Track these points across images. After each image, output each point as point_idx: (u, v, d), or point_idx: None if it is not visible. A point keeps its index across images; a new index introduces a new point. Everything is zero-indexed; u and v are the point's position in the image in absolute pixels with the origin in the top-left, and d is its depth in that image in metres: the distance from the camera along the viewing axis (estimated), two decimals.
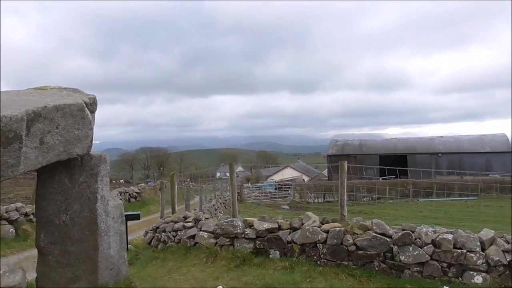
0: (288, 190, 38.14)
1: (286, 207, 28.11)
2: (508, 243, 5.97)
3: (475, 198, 26.02)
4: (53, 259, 4.83)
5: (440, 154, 42.54)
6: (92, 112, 4.52)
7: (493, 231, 6.26)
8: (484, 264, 5.84)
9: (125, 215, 5.92)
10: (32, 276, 6.80)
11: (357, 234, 6.59)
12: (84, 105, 4.29)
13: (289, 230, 7.15)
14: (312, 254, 6.76)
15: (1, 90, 5.09)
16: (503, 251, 5.87)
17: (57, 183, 4.71)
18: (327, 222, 7.00)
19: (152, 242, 9.19)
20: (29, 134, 3.56)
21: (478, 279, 5.80)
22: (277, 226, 7.21)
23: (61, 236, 4.74)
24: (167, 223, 8.76)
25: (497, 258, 5.79)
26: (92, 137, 4.48)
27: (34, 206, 13.05)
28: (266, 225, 7.23)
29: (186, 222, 8.38)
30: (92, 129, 4.48)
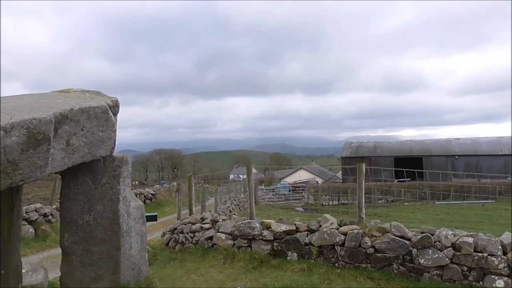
0: (302, 192, 38.04)
1: (301, 209, 28.02)
2: None
3: (493, 201, 25.58)
4: (76, 258, 4.92)
5: (456, 157, 41.94)
6: (115, 114, 4.61)
7: None
8: (505, 268, 5.76)
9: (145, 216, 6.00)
10: (52, 275, 6.94)
11: (376, 236, 6.57)
12: (108, 107, 4.39)
13: (306, 232, 7.15)
14: (330, 256, 6.75)
15: (25, 93, 5.21)
16: None
17: (80, 184, 4.81)
18: (345, 225, 6.98)
19: (169, 243, 9.29)
20: (56, 136, 3.65)
21: (499, 283, 5.73)
22: (294, 228, 7.23)
23: (84, 236, 4.84)
24: (185, 224, 8.84)
25: None
26: (115, 139, 4.57)
27: (53, 207, 13.30)
28: (283, 227, 7.24)
29: (204, 224, 8.44)
30: (115, 131, 4.56)
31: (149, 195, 24.71)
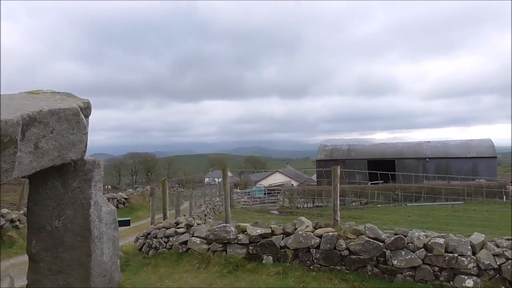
0: (277, 195, 38.16)
1: (276, 212, 28.10)
2: (498, 247, 6.06)
3: (462, 202, 26.37)
4: (44, 266, 4.75)
5: (427, 159, 43.05)
6: (87, 116, 4.49)
7: (483, 235, 6.35)
8: (475, 268, 5.91)
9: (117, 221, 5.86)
10: (18, 283, 6.69)
11: (350, 238, 6.63)
12: (79, 109, 4.26)
13: (282, 235, 7.15)
14: (306, 259, 6.78)
15: None
16: (494, 255, 5.95)
17: (49, 189, 4.66)
18: (320, 227, 7.02)
19: (143, 248, 9.11)
20: (24, 138, 3.52)
21: (469, 283, 5.87)
22: (270, 231, 7.21)
23: (53, 243, 4.68)
24: (159, 229, 8.70)
25: (488, 262, 5.87)
26: (87, 142, 4.44)
27: (21, 212, 12.86)
28: (259, 231, 7.22)
29: (178, 228, 8.32)
30: (86, 134, 4.44)
31: (122, 199, 24.26)
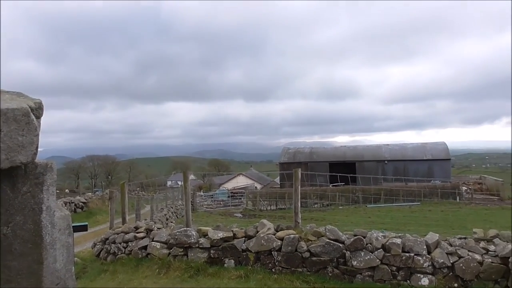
0: (241, 198, 38.08)
1: (239, 215, 28.02)
2: (451, 245, 6.29)
3: (419, 203, 27.28)
4: None
5: (386, 162, 44.29)
6: (38, 117, 4.25)
7: (437, 235, 6.57)
8: (430, 267, 6.11)
9: (72, 226, 5.62)
10: None
11: (311, 240, 6.68)
12: (30, 110, 4.02)
13: (244, 238, 7.12)
14: (267, 262, 6.77)
15: None
16: (447, 254, 6.17)
17: None
18: (282, 230, 7.04)
19: (101, 254, 8.81)
20: None
21: (424, 281, 6.06)
22: (232, 234, 7.16)
23: (1, 251, 4.41)
24: (117, 234, 8.44)
25: (442, 261, 6.08)
26: (38, 144, 4.21)
27: None
28: (220, 234, 7.15)
29: (138, 233, 8.11)
30: (37, 135, 4.20)
31: (80, 203, 23.47)
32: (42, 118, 4.70)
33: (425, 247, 6.23)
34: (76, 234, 8.48)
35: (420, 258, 6.13)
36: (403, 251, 6.22)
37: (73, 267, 5.47)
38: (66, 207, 20.41)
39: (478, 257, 6.03)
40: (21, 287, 4.56)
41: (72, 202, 22.75)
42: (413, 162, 43.21)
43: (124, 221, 9.42)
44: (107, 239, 8.73)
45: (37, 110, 4.33)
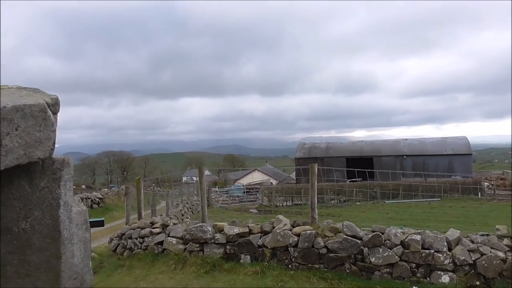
0: (256, 194, 38.15)
1: (255, 211, 28.09)
2: (473, 242, 6.19)
3: (439, 199, 26.93)
4: (11, 269, 4.58)
5: (405, 156, 43.82)
6: (55, 113, 4.32)
7: (458, 231, 6.48)
8: (451, 264, 6.03)
9: (89, 222, 5.71)
10: None
11: (328, 236, 6.66)
12: (46, 105, 4.09)
13: (260, 234, 7.13)
14: (284, 258, 6.77)
15: None
16: (469, 251, 6.08)
17: (16, 189, 4.47)
18: (298, 225, 7.03)
19: (117, 250, 8.95)
20: None
21: (445, 278, 5.99)
22: (247, 230, 7.18)
23: (20, 245, 4.50)
24: (133, 229, 8.56)
25: (463, 258, 5.99)
26: (55, 140, 4.27)
27: None
28: (236, 230, 7.18)
29: (154, 228, 8.21)
30: (54, 131, 4.27)
31: (97, 199, 23.87)
32: (58, 114, 4.78)
33: (445, 243, 6.15)
34: (92, 230, 8.63)
35: (440, 255, 6.06)
36: (423, 248, 6.15)
37: (90, 262, 5.57)
38: (83, 203, 20.79)
39: (501, 254, 5.93)
40: (40, 281, 4.67)
41: (89, 198, 23.14)
42: (433, 157, 42.67)
43: (140, 217, 9.54)
44: (123, 234, 8.86)
45: (54, 106, 4.40)
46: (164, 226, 8.17)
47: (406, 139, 48.27)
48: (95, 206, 23.32)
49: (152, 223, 8.44)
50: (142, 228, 8.38)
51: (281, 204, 31.18)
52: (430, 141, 46.15)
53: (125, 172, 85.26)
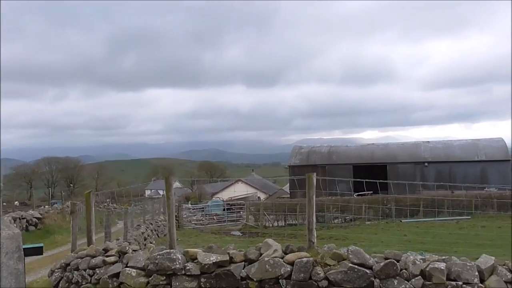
0: (240, 212, 38.21)
1: (238, 233, 28.10)
2: (511, 272, 6.27)
3: (469, 217, 27.25)
4: None
5: (426, 164, 44.26)
6: None
7: (493, 258, 6.54)
8: None
9: (23, 249, 5.65)
10: None
11: (330, 265, 6.68)
12: None
13: (243, 262, 7.12)
14: None
15: None
16: (506, 282, 6.15)
17: None
18: (292, 251, 7.04)
19: (60, 284, 8.84)
20: None
21: None
22: (228, 258, 7.17)
23: None
24: (82, 258, 8.47)
25: None
26: None
27: None
28: (213, 258, 7.16)
29: (108, 256, 8.14)
30: None
31: (34, 219, 23.59)
32: None
33: (476, 273, 6.21)
34: (28, 259, 8.52)
35: (470, 287, 6.12)
36: (448, 279, 6.20)
37: None
38: (15, 224, 20.53)
39: None
40: None
41: (24, 218, 22.82)
42: (462, 164, 43.18)
43: (90, 242, 9.45)
44: (68, 264, 8.76)
45: None
46: (121, 254, 8.11)
47: (429, 141, 48.84)
48: (31, 228, 23.03)
49: (106, 250, 8.38)
50: (93, 257, 8.30)
51: (271, 225, 31.25)
52: (459, 144, 46.74)
53: (71, 185, 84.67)
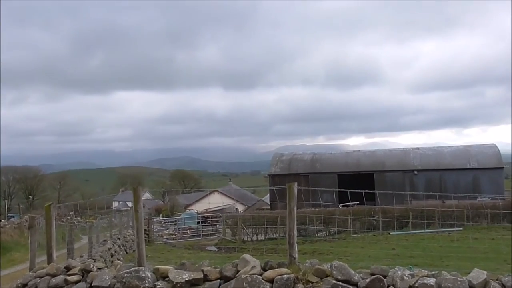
0: (216, 225, 38.07)
1: (214, 248, 28.02)
2: (505, 286, 6.36)
3: (460, 229, 27.59)
4: None
5: (415, 172, 44.69)
6: None
7: (485, 272, 6.62)
8: None
9: None
10: None
11: (312, 282, 6.69)
12: None
13: (219, 280, 7.10)
14: None
15: None
16: None
17: None
18: (271, 268, 7.04)
19: None
20: None
21: None
22: (202, 275, 7.14)
23: None
24: (41, 277, 8.36)
25: None
26: None
27: None
28: (186, 275, 7.13)
29: (70, 275, 8.05)
30: None
31: None
32: None
33: None
34: None
35: None
36: None
37: None
38: None
39: None
40: None
41: None
42: (453, 172, 43.71)
43: (50, 259, 9.33)
44: (25, 285, 8.64)
45: None
46: (85, 272, 8.03)
47: (418, 148, 49.41)
48: None
49: (68, 268, 8.28)
50: (53, 276, 8.20)
51: (249, 239, 31.21)
52: (449, 150, 47.37)
53: (30, 196, 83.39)
